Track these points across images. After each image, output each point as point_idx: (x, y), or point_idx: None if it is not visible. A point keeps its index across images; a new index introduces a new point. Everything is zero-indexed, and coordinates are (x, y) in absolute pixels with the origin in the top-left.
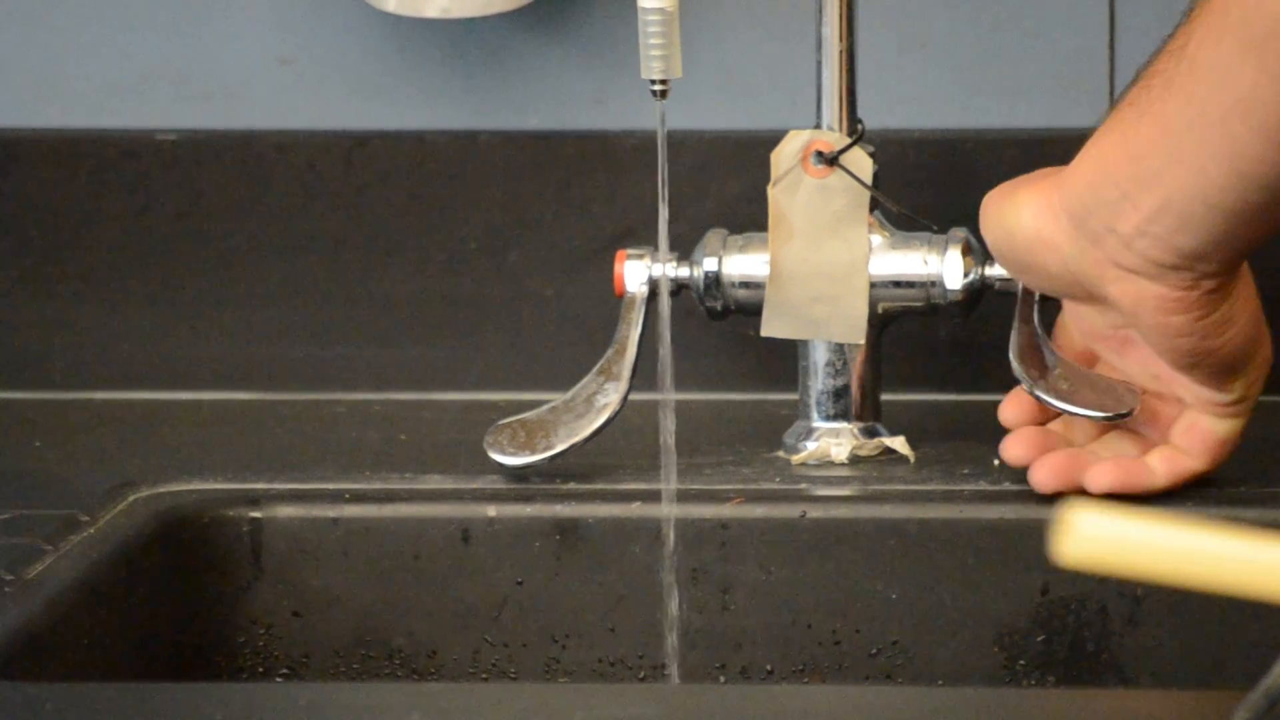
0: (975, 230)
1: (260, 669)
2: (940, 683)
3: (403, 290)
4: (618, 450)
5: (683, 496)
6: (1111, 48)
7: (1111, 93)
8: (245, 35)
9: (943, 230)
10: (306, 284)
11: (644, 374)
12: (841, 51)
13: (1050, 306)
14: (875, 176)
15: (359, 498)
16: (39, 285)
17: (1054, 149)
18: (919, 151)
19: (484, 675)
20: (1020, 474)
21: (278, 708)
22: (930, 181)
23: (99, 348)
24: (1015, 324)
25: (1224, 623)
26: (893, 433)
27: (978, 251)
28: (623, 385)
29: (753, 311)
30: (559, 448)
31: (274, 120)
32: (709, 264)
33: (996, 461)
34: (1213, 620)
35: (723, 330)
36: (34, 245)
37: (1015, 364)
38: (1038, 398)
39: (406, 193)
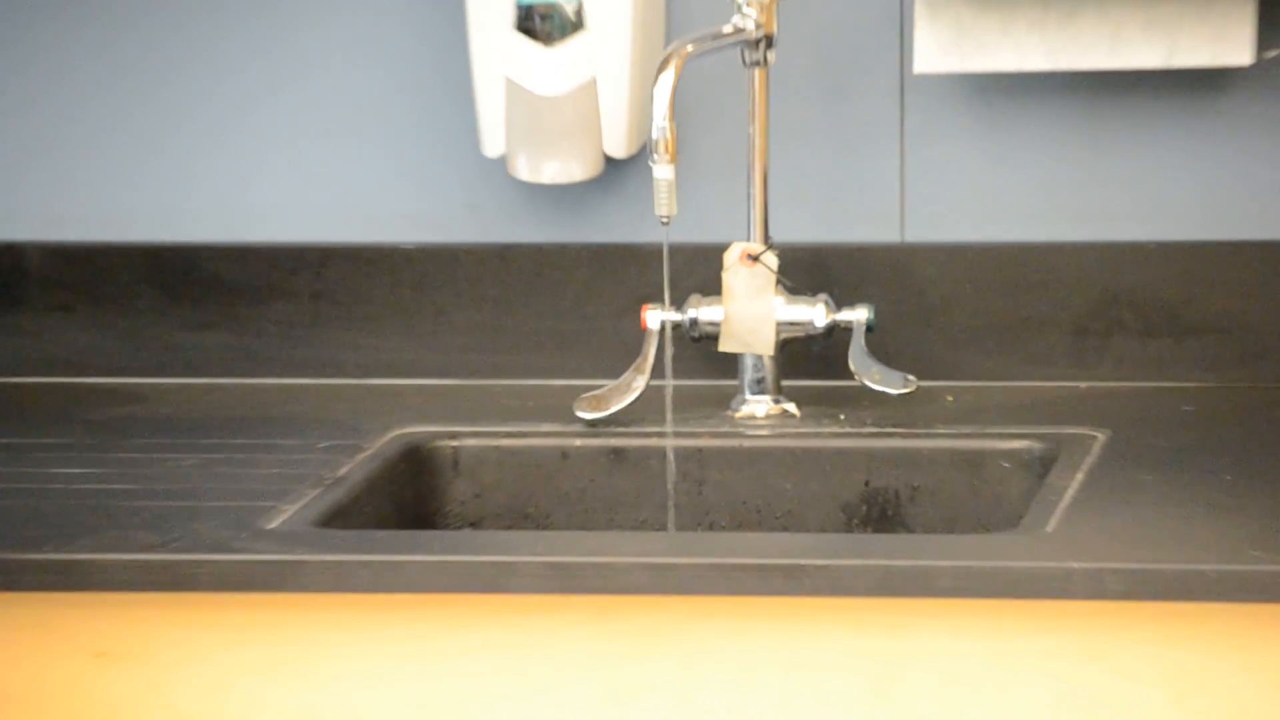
0: (832, 295)
1: (457, 525)
2: (810, 531)
3: (531, 327)
4: (642, 411)
5: (676, 435)
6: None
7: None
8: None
9: (812, 294)
10: (481, 326)
11: (655, 372)
12: (760, 200)
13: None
14: (779, 267)
15: (509, 435)
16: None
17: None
18: (803, 255)
19: (575, 529)
20: (857, 421)
21: (467, 543)
22: (809, 270)
23: (358, 360)
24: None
25: (962, 502)
26: (787, 401)
27: (831, 306)
28: (645, 376)
29: (714, 338)
30: (612, 409)
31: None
32: (691, 313)
33: (842, 416)
34: (955, 500)
35: (698, 349)
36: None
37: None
38: None
39: (532, 272)
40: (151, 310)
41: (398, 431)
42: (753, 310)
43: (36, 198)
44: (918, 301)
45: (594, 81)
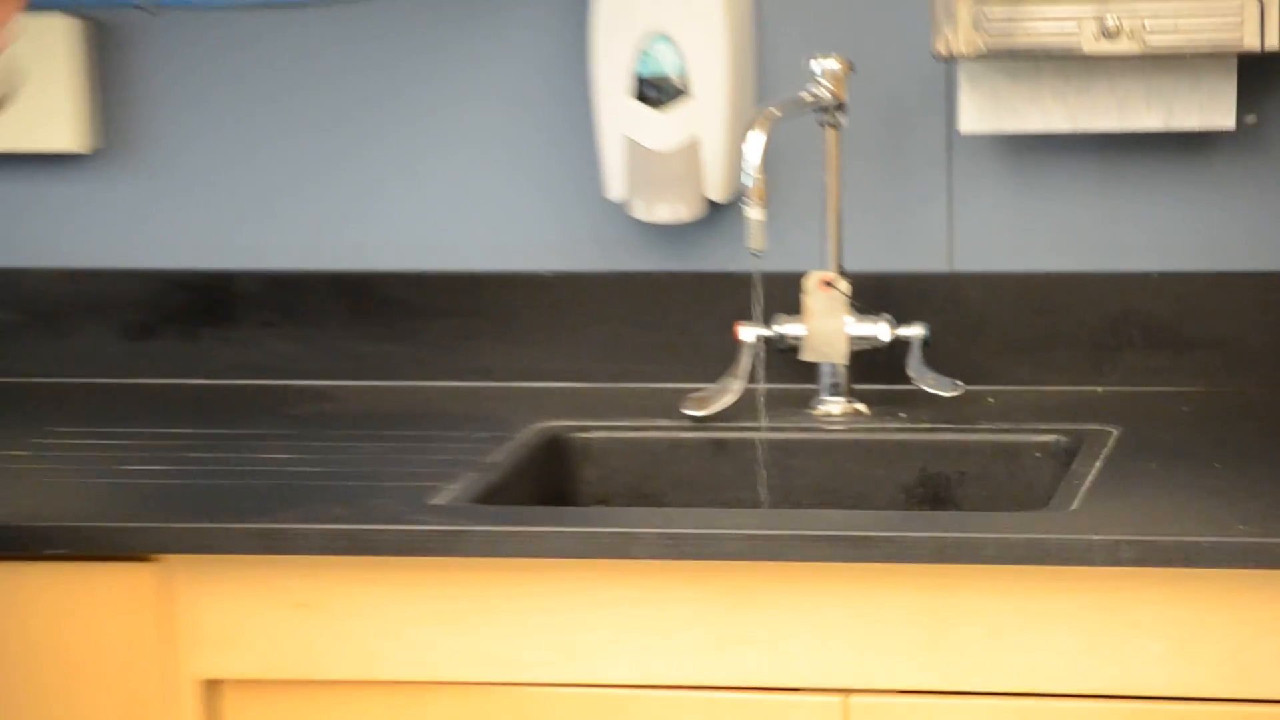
0: (893, 315)
1: (587, 503)
2: (877, 509)
3: (647, 340)
4: (738, 409)
5: (767, 429)
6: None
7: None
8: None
9: (877, 314)
10: (606, 339)
11: (749, 377)
12: (834, 236)
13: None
14: (850, 291)
15: (630, 429)
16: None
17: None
18: (869, 281)
19: (684, 506)
20: (914, 418)
21: (596, 518)
22: (874, 293)
23: (506, 367)
24: None
25: (1001, 485)
26: (858, 402)
27: (893, 323)
28: (741, 381)
29: (796, 350)
30: (714, 408)
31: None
32: (778, 329)
33: (902, 414)
34: (995, 484)
35: (783, 358)
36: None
37: None
38: None
39: (647, 295)
40: (339, 325)
41: (539, 425)
42: (828, 327)
43: (248, 235)
44: (963, 320)
45: (697, 139)
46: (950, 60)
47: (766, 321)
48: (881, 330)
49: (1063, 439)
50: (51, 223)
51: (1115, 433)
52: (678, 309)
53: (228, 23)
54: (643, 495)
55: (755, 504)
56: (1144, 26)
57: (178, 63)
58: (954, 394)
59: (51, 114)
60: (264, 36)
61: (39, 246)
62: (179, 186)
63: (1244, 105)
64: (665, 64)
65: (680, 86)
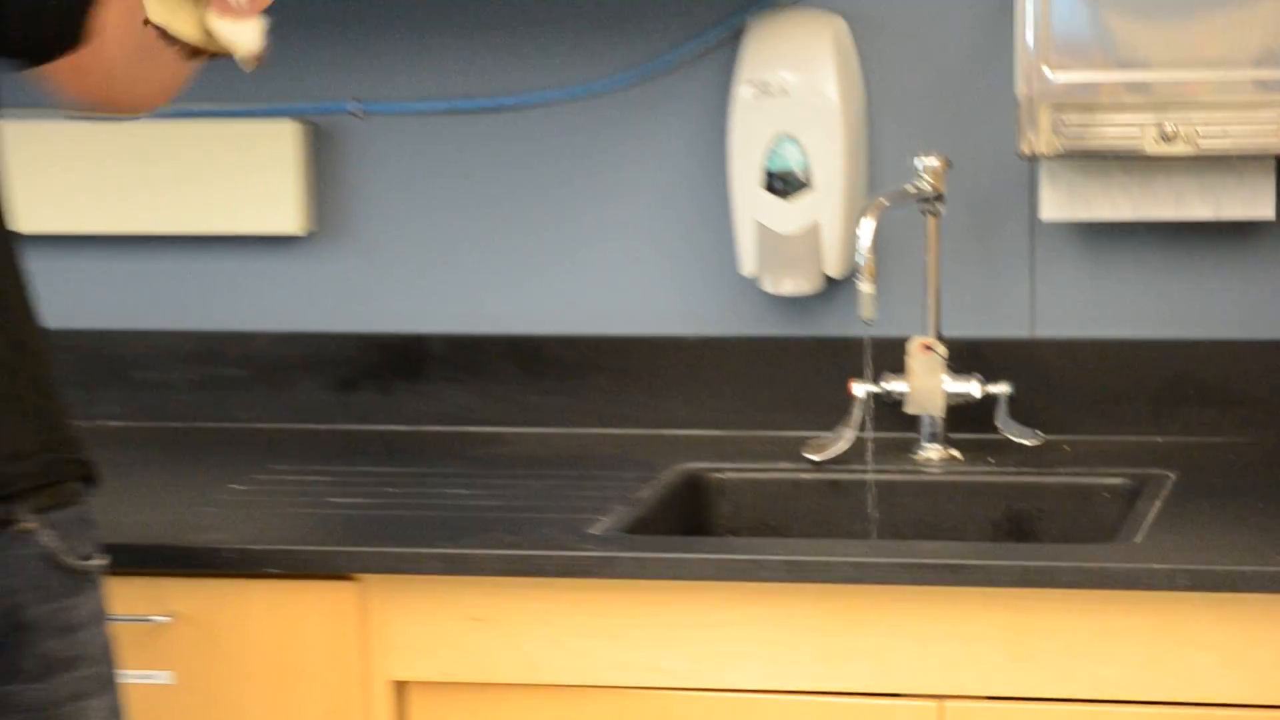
0: (983, 374)
1: (720, 533)
2: (969, 540)
3: (773, 394)
4: (851, 454)
5: (875, 471)
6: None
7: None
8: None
9: (969, 373)
10: (738, 393)
11: (859, 426)
12: (933, 306)
13: None
14: (947, 354)
15: (757, 470)
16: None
17: None
18: (963, 345)
19: (803, 537)
20: (1001, 463)
21: (728, 546)
22: (967, 356)
23: (653, 416)
24: None
25: (1074, 520)
26: (953, 448)
27: (983, 381)
28: (853, 430)
29: (901, 403)
30: (830, 454)
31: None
32: (885, 385)
33: (990, 459)
34: (1070, 519)
35: (889, 411)
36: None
37: None
38: None
39: (774, 356)
40: (513, 381)
41: (680, 467)
42: (928, 384)
43: (436, 303)
44: (1043, 379)
45: (817, 224)
46: (1033, 159)
47: (875, 379)
48: (973, 388)
49: (1128, 482)
50: (274, 293)
51: (1173, 477)
52: (799, 368)
53: (423, 124)
54: (768, 527)
55: (864, 535)
56: (1197, 132)
57: (381, 158)
58: (1034, 443)
59: (276, 202)
60: (454, 135)
61: (263, 313)
62: (379, 262)
63: None
64: (791, 161)
65: (804, 180)
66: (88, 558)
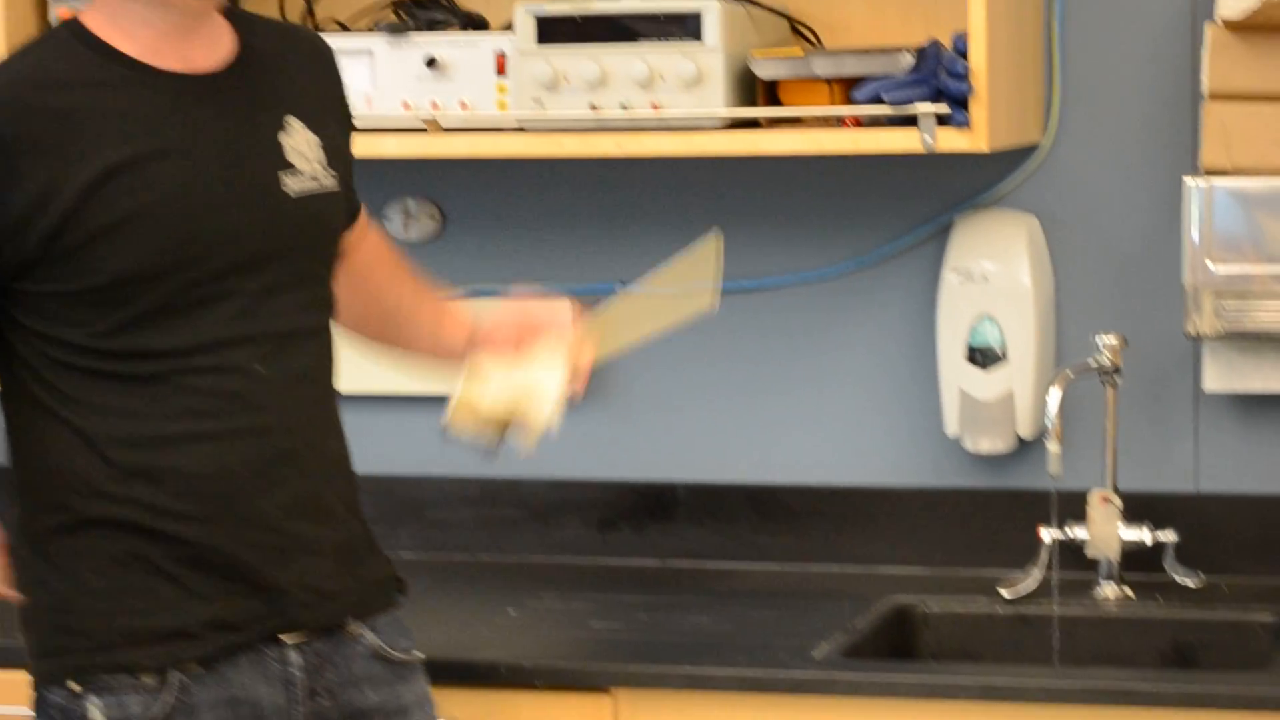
0: (1152, 523)
1: (924, 659)
2: (1142, 668)
3: (968, 538)
4: (1039, 592)
5: (1060, 605)
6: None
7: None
8: None
9: (1141, 522)
10: (936, 539)
11: (1045, 567)
12: (1111, 464)
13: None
14: (1121, 506)
15: (956, 604)
16: None
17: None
18: (1135, 499)
19: (995, 662)
20: (1169, 601)
21: (933, 669)
22: (1139, 507)
23: (863, 555)
24: None
25: (1232, 650)
26: (1127, 587)
27: (1152, 529)
28: (1041, 570)
29: (1083, 548)
30: (1021, 591)
31: None
32: (1069, 532)
33: (1159, 597)
34: (1228, 649)
35: (1072, 554)
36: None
37: None
38: None
39: (974, 508)
40: (747, 522)
41: (890, 600)
42: (1106, 532)
43: (683, 456)
44: (1205, 528)
45: (1012, 392)
46: (1197, 338)
47: (1061, 526)
48: (1144, 535)
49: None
50: (544, 445)
51: None
52: (995, 516)
53: None
54: (966, 653)
55: (1049, 663)
56: None
57: None
58: (1197, 584)
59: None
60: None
61: (534, 462)
62: (633, 420)
63: None
64: (990, 338)
65: (1000, 354)
66: (407, 651)
